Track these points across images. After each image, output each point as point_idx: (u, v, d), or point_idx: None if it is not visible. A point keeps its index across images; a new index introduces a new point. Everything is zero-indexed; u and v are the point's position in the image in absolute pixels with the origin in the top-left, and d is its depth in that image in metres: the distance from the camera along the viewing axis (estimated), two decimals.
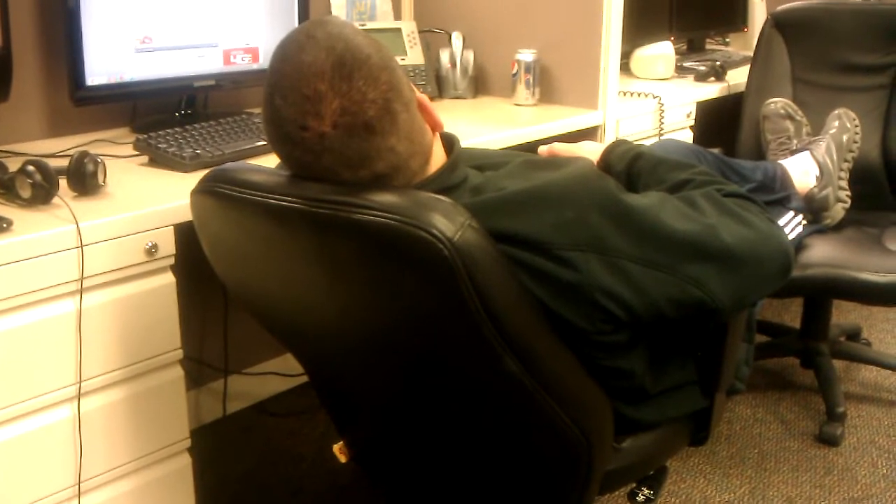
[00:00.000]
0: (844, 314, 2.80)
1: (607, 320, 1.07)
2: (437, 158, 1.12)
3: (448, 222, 0.94)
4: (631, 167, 1.32)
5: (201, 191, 1.13)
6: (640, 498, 1.37)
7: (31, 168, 1.32)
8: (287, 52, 1.03)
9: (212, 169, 1.15)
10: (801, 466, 2.03)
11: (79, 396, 1.30)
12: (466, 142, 1.82)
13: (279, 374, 2.30)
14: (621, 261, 1.04)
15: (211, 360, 2.14)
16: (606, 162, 1.36)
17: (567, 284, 1.03)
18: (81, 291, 1.27)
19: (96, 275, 1.28)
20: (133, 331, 1.35)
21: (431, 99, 2.25)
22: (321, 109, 0.99)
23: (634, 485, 1.39)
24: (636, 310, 1.06)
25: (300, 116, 1.00)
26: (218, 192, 1.11)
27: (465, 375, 1.06)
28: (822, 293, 2.19)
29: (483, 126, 1.98)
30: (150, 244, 1.33)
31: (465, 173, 1.12)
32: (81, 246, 1.25)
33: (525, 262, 1.02)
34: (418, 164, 1.08)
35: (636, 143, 1.38)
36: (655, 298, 1.07)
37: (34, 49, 1.73)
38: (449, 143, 1.15)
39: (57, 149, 1.65)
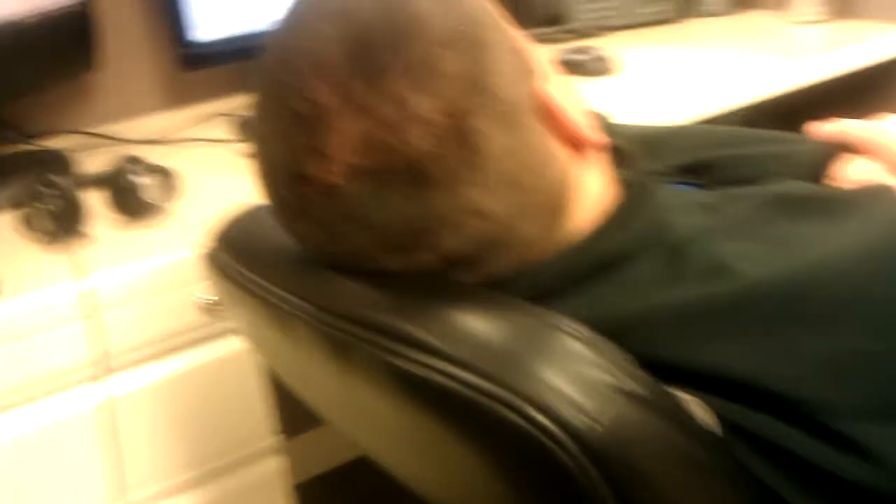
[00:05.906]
0: None
1: None
2: (593, 200, 0.55)
3: (578, 395, 0.42)
4: None
5: (209, 255, 0.66)
6: None
7: (49, 189, 0.92)
8: (283, 31, 0.53)
9: (228, 218, 0.67)
10: None
11: None
12: (704, 89, 1.21)
13: None
14: None
15: None
16: None
17: (853, 487, 0.44)
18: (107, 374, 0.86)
19: (127, 351, 0.86)
20: (199, 421, 0.93)
21: (669, 21, 1.61)
22: (326, 142, 0.47)
23: None
24: None
25: (293, 158, 0.49)
26: (218, 264, 0.63)
27: None
28: None
29: (742, 55, 1.35)
30: (200, 296, 0.89)
31: (657, 224, 0.54)
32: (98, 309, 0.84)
33: (764, 437, 0.45)
34: (541, 226, 0.53)
35: None
36: None
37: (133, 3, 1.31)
38: (622, 161, 0.58)
39: (169, 129, 1.29)
